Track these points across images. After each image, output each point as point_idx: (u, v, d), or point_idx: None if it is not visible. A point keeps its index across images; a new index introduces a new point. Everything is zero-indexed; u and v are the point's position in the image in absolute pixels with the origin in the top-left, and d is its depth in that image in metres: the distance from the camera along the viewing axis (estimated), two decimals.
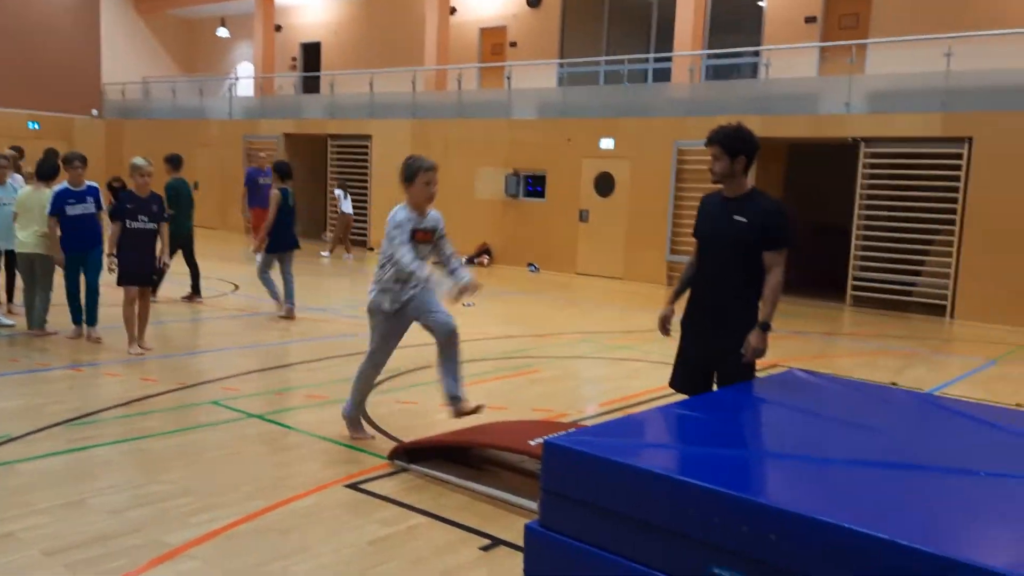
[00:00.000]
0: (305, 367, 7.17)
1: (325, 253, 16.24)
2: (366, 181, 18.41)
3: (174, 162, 10.12)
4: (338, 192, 16.56)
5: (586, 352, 8.39)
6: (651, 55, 17.00)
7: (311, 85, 22.76)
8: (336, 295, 11.89)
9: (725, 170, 4.14)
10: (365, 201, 18.33)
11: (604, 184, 14.90)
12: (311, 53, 23.60)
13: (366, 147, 18.41)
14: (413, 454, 4.62)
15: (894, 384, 7.04)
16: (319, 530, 3.78)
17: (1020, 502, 2.59)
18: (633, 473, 2.70)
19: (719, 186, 4.25)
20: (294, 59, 23.91)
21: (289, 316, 9.12)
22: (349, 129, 18.77)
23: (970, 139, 11.33)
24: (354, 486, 4.32)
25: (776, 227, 4.02)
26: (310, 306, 10.04)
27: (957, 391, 7.11)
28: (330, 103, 19.69)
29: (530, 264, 15.72)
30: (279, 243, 9.27)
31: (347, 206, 16.44)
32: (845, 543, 2.26)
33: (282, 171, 9.64)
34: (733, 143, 4.12)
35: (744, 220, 4.03)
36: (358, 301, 11.04)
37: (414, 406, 5.95)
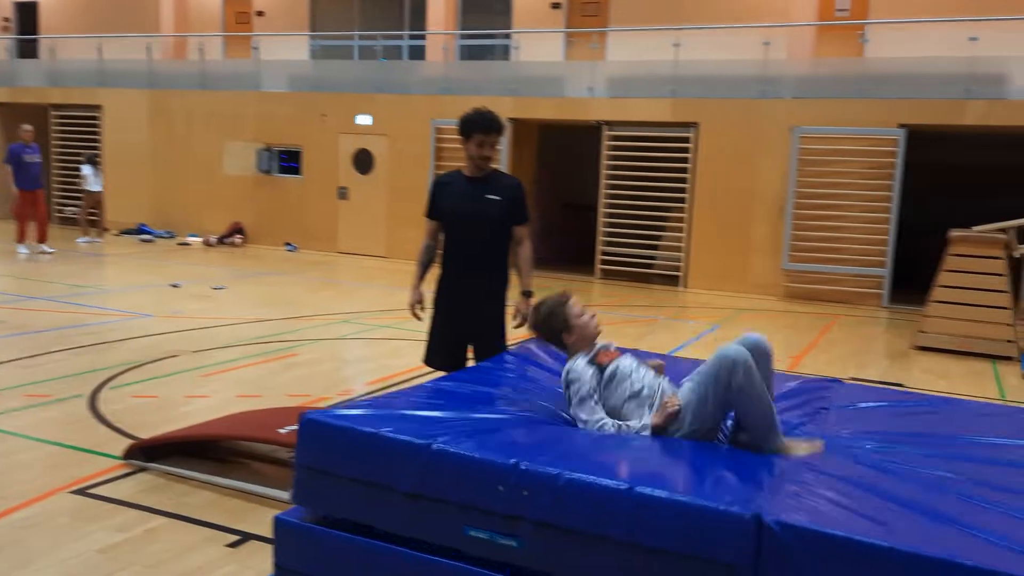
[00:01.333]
0: (22, 364, 6.46)
1: (84, 239, 14.62)
2: (98, 155, 16.87)
3: None
4: (86, 168, 14.80)
5: (347, 333, 8.27)
6: (406, 32, 16.94)
7: (28, 49, 20.46)
8: (60, 283, 10.82)
9: (496, 155, 4.29)
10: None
11: (363, 161, 14.70)
12: (26, 13, 21.19)
13: (96, 118, 16.88)
14: (152, 452, 4.32)
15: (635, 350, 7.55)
16: (41, 542, 3.44)
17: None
18: (388, 443, 2.73)
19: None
20: (6, 19, 21.37)
21: None
22: (75, 98, 17.09)
23: (696, 124, 12.37)
24: (82, 491, 3.97)
25: (523, 201, 4.33)
26: (31, 296, 9.07)
27: (688, 353, 7.77)
28: (51, 69, 17.82)
29: (288, 243, 15.21)
30: None
31: (95, 183, 14.82)
32: (592, 494, 2.43)
33: None
34: (502, 129, 4.38)
35: (498, 198, 4.19)
36: (85, 290, 10.19)
37: (152, 400, 5.56)
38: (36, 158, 12.49)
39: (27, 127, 12.69)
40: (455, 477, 2.59)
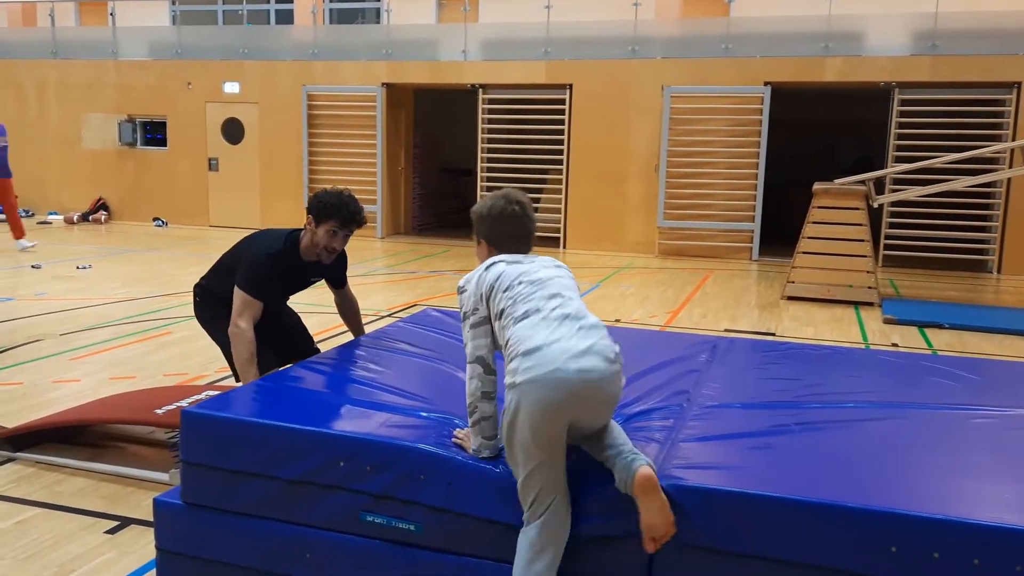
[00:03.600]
0: None
1: None
2: None
3: None
4: None
5: None
6: None
7: None
8: None
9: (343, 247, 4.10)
10: None
11: (232, 130, 14.20)
12: None
13: None
14: (19, 441, 4.12)
15: None
16: None
17: None
18: (276, 432, 2.67)
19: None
20: None
21: None
22: None
23: (570, 85, 12.51)
24: None
25: (346, 264, 4.29)
26: None
27: None
28: None
29: (156, 219, 14.58)
30: None
31: None
32: (480, 473, 2.45)
33: None
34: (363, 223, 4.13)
35: (318, 278, 4.22)
36: None
37: (16, 387, 5.28)
38: (4, 141, 10.87)
39: None
40: (347, 461, 2.55)
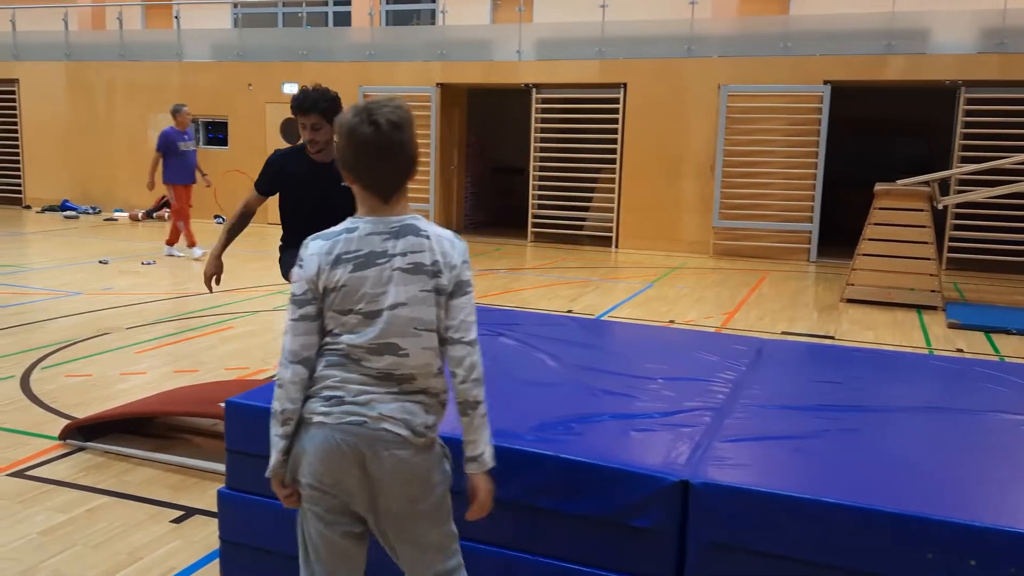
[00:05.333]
0: None
1: None
2: (16, 131, 16.27)
3: None
4: None
5: (281, 304, 8.19)
6: None
7: None
8: None
9: (329, 138, 4.08)
10: (17, 154, 16.24)
11: (291, 130, 14.43)
12: None
13: (13, 93, 16.21)
14: (89, 431, 4.26)
15: (570, 311, 7.68)
16: None
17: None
18: None
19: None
20: None
21: None
22: None
23: (624, 84, 12.45)
24: (20, 473, 3.90)
25: None
26: None
27: (622, 313, 7.93)
28: None
29: (217, 216, 14.90)
30: None
31: None
32: (514, 462, 2.45)
33: None
34: (334, 110, 4.03)
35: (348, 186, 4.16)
36: (10, 268, 9.84)
37: (86, 379, 5.46)
38: (192, 146, 10.64)
39: (185, 108, 10.43)
40: None
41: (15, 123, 16.26)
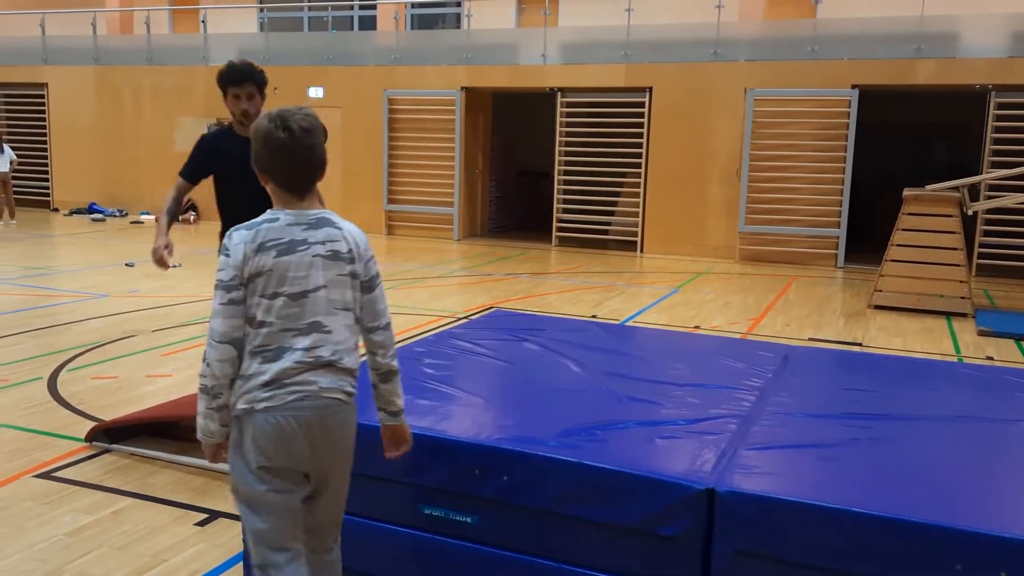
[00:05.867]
0: None
1: None
2: (44, 134, 16.50)
3: None
4: None
5: None
6: (356, 2, 16.68)
7: None
8: (11, 264, 10.61)
9: (260, 109, 4.01)
10: (45, 157, 16.47)
11: None
12: None
13: (42, 96, 16.44)
14: (115, 433, 4.29)
15: (594, 317, 7.64)
16: (7, 528, 3.41)
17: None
18: None
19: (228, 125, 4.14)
20: None
21: None
22: (18, 77, 16.61)
23: (650, 88, 12.40)
24: (46, 475, 3.93)
25: None
26: None
27: (648, 319, 7.88)
28: None
29: None
30: None
31: (2, 163, 13.71)
32: (538, 469, 2.45)
33: None
34: (264, 80, 4.04)
35: None
36: (38, 270, 9.97)
37: (112, 381, 5.50)
38: None
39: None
40: (404, 456, 2.56)
41: (44, 127, 16.48)
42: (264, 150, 2.22)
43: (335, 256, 2.25)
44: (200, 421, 2.27)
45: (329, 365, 2.23)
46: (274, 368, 2.18)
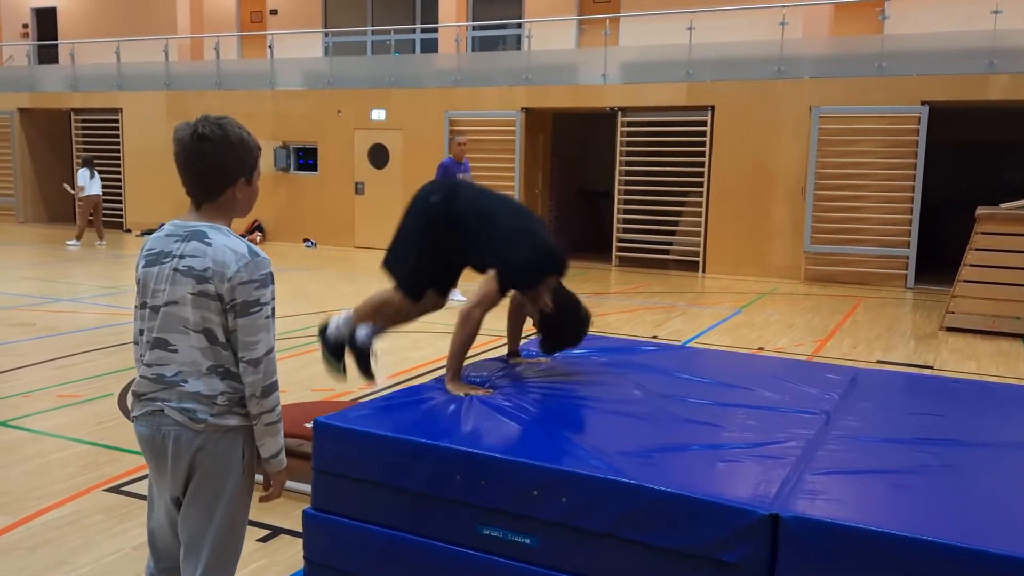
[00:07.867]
0: (53, 365, 6.56)
1: (72, 242, 14.56)
2: (118, 158, 17.09)
3: None
4: (82, 171, 14.27)
5: None
6: (418, 25, 16.96)
7: (47, 55, 20.66)
8: (86, 284, 10.97)
9: None
10: (119, 180, 17.05)
11: (378, 156, 14.75)
12: (45, 20, 21.39)
13: (116, 121, 17.05)
14: None
15: (655, 337, 7.55)
16: (76, 541, 3.50)
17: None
18: (397, 445, 2.72)
19: None
20: (25, 26, 21.59)
21: None
22: (95, 102, 17.27)
23: (712, 107, 12.29)
24: (116, 489, 4.03)
25: None
26: (58, 297, 9.19)
27: (710, 340, 7.76)
28: (72, 74, 18.00)
29: (306, 240, 15.30)
30: None
31: (92, 186, 14.29)
32: (597, 491, 2.41)
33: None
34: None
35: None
36: (110, 289, 10.30)
37: None
38: (469, 178, 9.54)
39: (461, 138, 9.56)
40: (465, 476, 2.58)
41: (118, 150, 17.07)
42: (174, 153, 2.19)
43: (188, 272, 2.15)
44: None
45: (172, 386, 2.17)
46: (136, 379, 2.25)
